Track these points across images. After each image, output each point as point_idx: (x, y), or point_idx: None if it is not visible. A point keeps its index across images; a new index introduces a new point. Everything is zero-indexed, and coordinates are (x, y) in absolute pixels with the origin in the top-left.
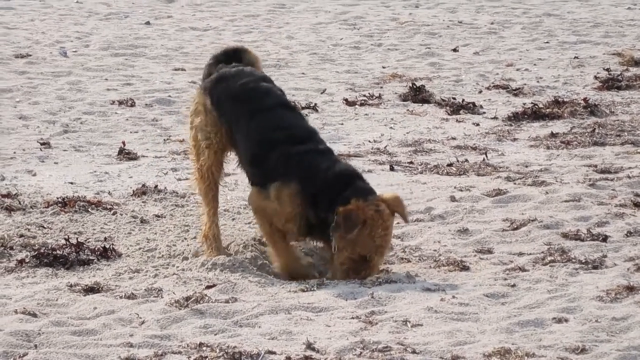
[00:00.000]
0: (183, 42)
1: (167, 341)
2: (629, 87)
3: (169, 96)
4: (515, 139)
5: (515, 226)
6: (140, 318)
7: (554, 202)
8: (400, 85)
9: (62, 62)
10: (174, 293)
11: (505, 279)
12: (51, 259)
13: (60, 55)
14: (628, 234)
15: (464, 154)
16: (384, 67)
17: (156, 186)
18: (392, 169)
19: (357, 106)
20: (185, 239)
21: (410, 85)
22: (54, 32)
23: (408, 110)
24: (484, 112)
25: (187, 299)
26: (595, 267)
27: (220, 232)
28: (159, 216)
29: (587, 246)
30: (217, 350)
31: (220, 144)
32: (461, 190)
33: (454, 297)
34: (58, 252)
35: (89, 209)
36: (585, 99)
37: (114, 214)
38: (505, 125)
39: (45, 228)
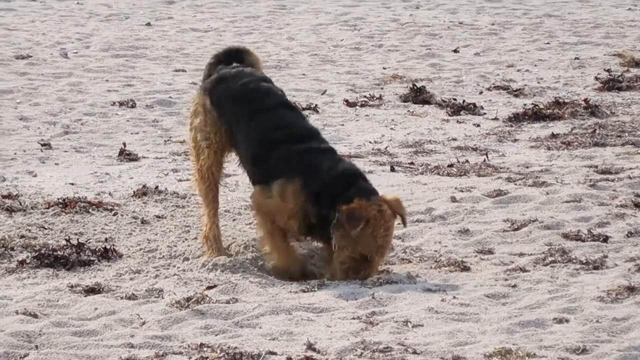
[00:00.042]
0: (184, 43)
1: (168, 342)
2: (630, 87)
3: (170, 97)
4: (515, 140)
5: (516, 227)
6: (141, 319)
7: (554, 203)
8: (400, 86)
9: (63, 63)
10: (174, 294)
11: (506, 280)
12: (52, 260)
13: (61, 57)
14: (629, 235)
15: (465, 155)
16: (384, 68)
17: (157, 187)
18: (392, 169)
19: (357, 107)
20: (186, 239)
21: (411, 86)
22: (54, 34)
23: (409, 111)
24: (485, 113)
25: (188, 299)
26: (596, 268)
27: (221, 232)
28: (159, 217)
29: (588, 247)
30: (218, 351)
31: (219, 144)
32: (462, 191)
33: (454, 297)
34: (59, 252)
35: (90, 210)
36: (586, 100)
37: (114, 214)
38: (506, 126)
39: (46, 229)
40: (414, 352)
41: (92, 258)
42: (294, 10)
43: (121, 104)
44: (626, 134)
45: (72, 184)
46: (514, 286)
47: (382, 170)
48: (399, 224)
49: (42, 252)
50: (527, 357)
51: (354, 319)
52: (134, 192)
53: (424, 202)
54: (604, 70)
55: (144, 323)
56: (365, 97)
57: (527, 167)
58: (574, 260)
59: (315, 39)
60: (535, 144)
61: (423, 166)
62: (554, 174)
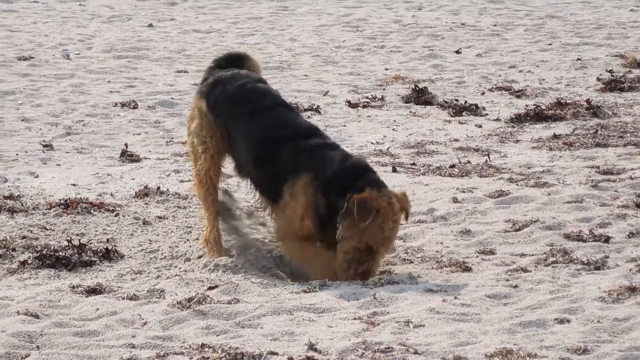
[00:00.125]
0: (186, 45)
1: (170, 342)
2: (632, 88)
3: (172, 98)
4: (517, 141)
5: (518, 227)
6: (143, 319)
7: (556, 203)
8: (402, 87)
9: (65, 64)
10: (176, 294)
11: (508, 280)
12: (53, 261)
13: (63, 58)
14: (630, 235)
15: (467, 156)
16: (386, 69)
17: (158, 188)
18: (394, 170)
19: (359, 108)
20: (188, 240)
21: (413, 87)
22: (56, 35)
23: (411, 112)
24: (487, 114)
25: (190, 300)
26: (597, 268)
27: (222, 234)
28: (161, 218)
29: (589, 247)
30: (219, 351)
31: (216, 147)
32: (463, 192)
33: (456, 297)
34: (60, 253)
35: (92, 211)
36: (587, 101)
37: (116, 215)
38: (508, 126)
39: (47, 230)
40: (415, 353)
41: (93, 259)
42: (296, 11)
43: (123, 105)
44: (628, 135)
45: (74, 184)
46: (516, 286)
47: (384, 171)
48: (401, 223)
49: (44, 252)
50: (528, 357)
51: (355, 319)
52: (136, 193)
53: (425, 202)
54: (606, 71)
55: (145, 323)
56: (367, 98)
57: (528, 168)
58: (576, 261)
59: (317, 40)
60: (537, 145)
61: (425, 167)
62: (555, 174)
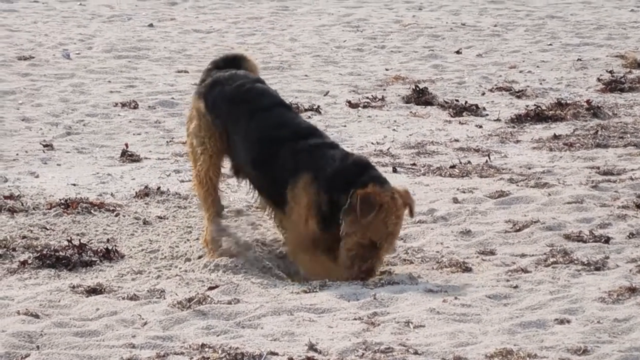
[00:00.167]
0: (186, 45)
1: (170, 342)
2: (632, 89)
3: (172, 98)
4: (518, 141)
5: (518, 228)
6: (143, 319)
7: (556, 204)
8: (403, 88)
9: (65, 64)
10: (176, 294)
11: (508, 281)
12: (54, 261)
13: (63, 58)
14: (630, 236)
15: (467, 156)
16: (387, 70)
17: (159, 188)
18: (395, 170)
19: (360, 108)
20: (188, 240)
21: (413, 87)
22: (57, 35)
23: (411, 112)
24: (487, 114)
25: (190, 300)
26: (597, 269)
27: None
28: (161, 218)
29: (590, 248)
30: (220, 352)
31: (214, 148)
32: (464, 192)
33: (456, 298)
34: (60, 253)
35: (92, 211)
36: (588, 101)
37: (116, 215)
38: (508, 127)
39: (47, 229)
40: (415, 353)
41: (93, 259)
42: (296, 11)
43: (123, 105)
44: (628, 135)
45: (74, 184)
46: (516, 287)
47: (385, 171)
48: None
49: (44, 252)
50: (528, 358)
51: (355, 319)
52: (136, 193)
53: (426, 203)
54: (607, 71)
55: (145, 323)
56: (367, 98)
57: (529, 168)
58: (576, 261)
59: (317, 40)
60: (538, 145)
61: (425, 167)
62: (555, 175)
